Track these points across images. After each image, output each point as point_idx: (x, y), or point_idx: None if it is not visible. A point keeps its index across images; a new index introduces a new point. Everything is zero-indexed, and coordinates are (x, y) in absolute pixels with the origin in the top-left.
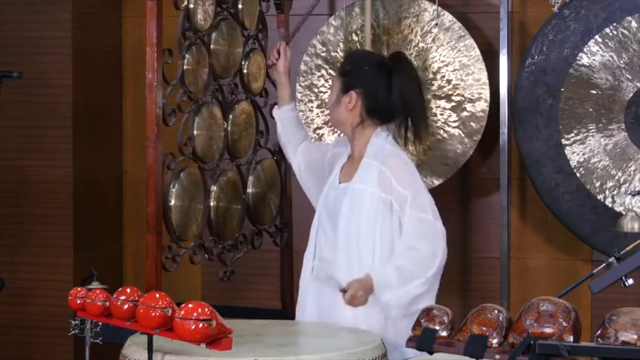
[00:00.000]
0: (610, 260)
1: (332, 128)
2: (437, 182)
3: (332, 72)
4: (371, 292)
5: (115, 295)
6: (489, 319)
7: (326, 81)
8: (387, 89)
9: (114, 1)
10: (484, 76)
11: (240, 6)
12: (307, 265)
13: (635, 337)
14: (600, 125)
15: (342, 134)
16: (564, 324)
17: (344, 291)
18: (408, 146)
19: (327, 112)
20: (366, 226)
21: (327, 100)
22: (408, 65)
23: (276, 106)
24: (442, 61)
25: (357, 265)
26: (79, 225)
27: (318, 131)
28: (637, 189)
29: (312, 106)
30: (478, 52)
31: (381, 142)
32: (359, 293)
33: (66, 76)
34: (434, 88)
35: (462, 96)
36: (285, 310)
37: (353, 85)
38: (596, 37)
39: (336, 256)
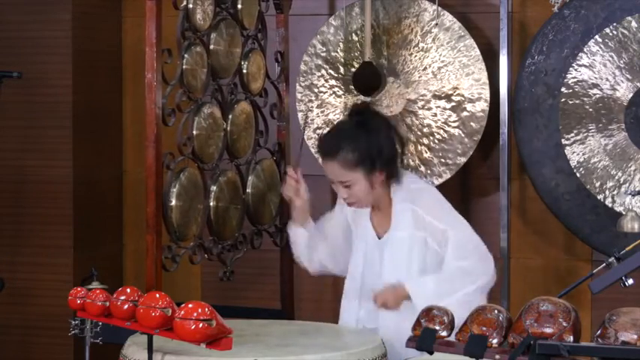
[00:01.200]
0: (610, 260)
1: None
2: (437, 182)
3: (332, 72)
4: (405, 298)
5: (115, 295)
6: (489, 319)
7: (326, 81)
8: (378, 142)
9: (114, 1)
10: (484, 76)
11: (239, 6)
12: (350, 317)
13: (635, 337)
14: (600, 125)
15: None
16: (564, 324)
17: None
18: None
19: (348, 202)
20: (409, 269)
21: (330, 100)
22: (370, 113)
23: (292, 222)
24: (442, 61)
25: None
26: (79, 225)
27: (318, 131)
28: (637, 189)
29: (312, 106)
30: (478, 52)
31: (403, 184)
32: (388, 299)
33: (66, 76)
34: (434, 88)
35: (462, 96)
36: (285, 310)
37: (372, 164)
38: (596, 37)
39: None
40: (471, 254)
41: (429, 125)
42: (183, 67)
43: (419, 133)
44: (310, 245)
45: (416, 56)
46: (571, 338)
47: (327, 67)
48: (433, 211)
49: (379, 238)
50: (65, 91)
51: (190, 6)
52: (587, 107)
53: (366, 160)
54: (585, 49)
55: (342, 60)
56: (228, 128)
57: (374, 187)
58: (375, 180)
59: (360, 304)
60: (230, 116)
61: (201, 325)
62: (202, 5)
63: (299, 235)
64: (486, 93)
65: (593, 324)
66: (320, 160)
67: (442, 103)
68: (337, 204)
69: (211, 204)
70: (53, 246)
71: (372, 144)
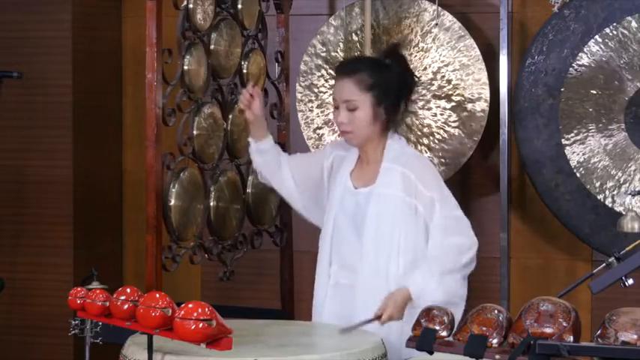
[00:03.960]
0: (610, 260)
1: (332, 128)
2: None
3: (332, 72)
4: (406, 302)
5: (115, 295)
6: (489, 319)
7: (326, 81)
8: (396, 89)
9: (114, 1)
10: (484, 76)
11: (239, 6)
12: (322, 273)
13: (635, 337)
14: (600, 125)
15: (339, 138)
16: (564, 324)
17: (379, 317)
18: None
19: (343, 128)
20: (393, 231)
21: (330, 100)
22: (404, 61)
23: (251, 140)
24: (442, 61)
25: (385, 270)
26: (79, 225)
27: (318, 131)
28: (637, 189)
29: (312, 106)
30: (478, 52)
31: (397, 145)
32: (395, 316)
33: (66, 76)
34: (434, 88)
35: (462, 96)
36: (285, 310)
37: (384, 95)
38: (596, 37)
39: (361, 261)
40: (457, 231)
41: (429, 125)
42: (184, 67)
43: (419, 133)
44: (271, 162)
45: (416, 56)
46: (571, 338)
47: (327, 67)
48: (424, 179)
49: (355, 188)
50: (65, 91)
51: (191, 6)
52: (587, 107)
53: (379, 88)
54: (585, 49)
55: (342, 60)
56: (229, 128)
57: (376, 120)
58: (378, 113)
59: (331, 256)
60: (230, 116)
61: (201, 325)
62: (203, 5)
63: (254, 151)
64: (486, 93)
65: (593, 324)
66: (334, 80)
67: (442, 103)
68: (324, 148)
69: (211, 204)
70: (53, 246)
71: (390, 77)
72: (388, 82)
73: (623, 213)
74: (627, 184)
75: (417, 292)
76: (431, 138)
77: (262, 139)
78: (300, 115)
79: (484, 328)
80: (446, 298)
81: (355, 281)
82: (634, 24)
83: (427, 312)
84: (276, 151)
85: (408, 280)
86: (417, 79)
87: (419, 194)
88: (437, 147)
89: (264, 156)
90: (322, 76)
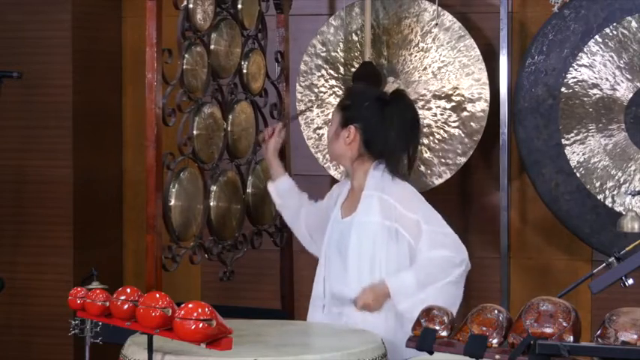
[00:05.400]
0: (610, 260)
1: None
2: (437, 182)
3: (332, 72)
4: (386, 298)
5: (115, 295)
6: (489, 319)
7: (326, 81)
8: (383, 124)
9: (114, 1)
10: (484, 76)
11: (239, 6)
12: (317, 304)
13: (635, 337)
14: (600, 125)
15: (342, 177)
16: (564, 324)
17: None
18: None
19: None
20: (374, 257)
21: (329, 100)
22: (404, 104)
23: (269, 182)
24: (442, 61)
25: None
26: (79, 225)
27: (318, 131)
28: (637, 189)
29: (312, 107)
30: (478, 52)
31: (378, 173)
32: (369, 301)
33: (66, 76)
34: (434, 88)
35: (462, 96)
36: (285, 310)
37: (352, 119)
38: (596, 37)
39: (346, 290)
40: (444, 245)
41: (429, 125)
42: (184, 67)
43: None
44: (290, 207)
45: (416, 56)
46: (571, 338)
47: (327, 67)
48: (405, 202)
49: (341, 218)
50: (65, 91)
51: (191, 6)
52: (587, 107)
53: (349, 111)
54: (585, 49)
55: (342, 60)
56: (229, 128)
57: (336, 138)
58: (341, 134)
59: (324, 286)
60: (230, 116)
61: (201, 325)
62: (203, 5)
63: (272, 193)
64: (486, 93)
65: (593, 324)
66: None
67: (442, 103)
68: (330, 192)
69: (211, 204)
70: (53, 246)
71: (368, 110)
72: (365, 111)
73: (623, 213)
74: (627, 184)
75: (394, 287)
76: (431, 138)
77: (277, 179)
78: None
79: (484, 328)
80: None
81: (343, 310)
82: (634, 24)
83: (427, 312)
84: (295, 192)
85: (390, 277)
86: (417, 124)
87: (400, 217)
88: (437, 147)
89: (283, 199)
90: (322, 76)
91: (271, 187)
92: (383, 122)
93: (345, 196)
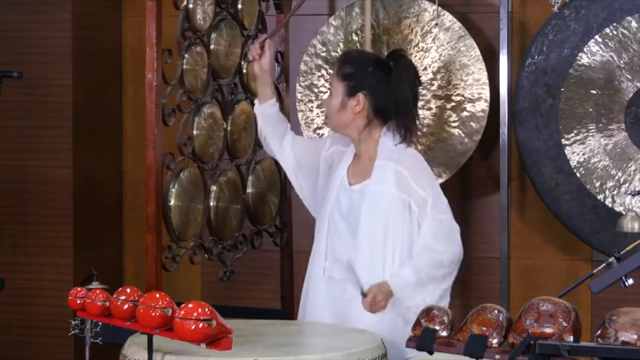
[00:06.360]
0: (610, 260)
1: None
2: (437, 182)
3: (332, 72)
4: (390, 296)
5: (115, 295)
6: (489, 319)
7: (326, 81)
8: (391, 87)
9: (114, 1)
10: (484, 76)
11: (239, 6)
12: (317, 266)
13: (635, 337)
14: (600, 125)
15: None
16: (564, 324)
17: (364, 295)
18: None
19: (325, 116)
20: (387, 228)
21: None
22: (406, 63)
23: (256, 102)
24: (442, 61)
25: (381, 267)
26: (79, 225)
27: (318, 131)
28: (637, 189)
29: (312, 106)
30: (478, 52)
31: (390, 142)
32: (378, 297)
33: (66, 76)
34: (434, 88)
35: (462, 96)
36: (285, 310)
37: (359, 87)
38: (596, 37)
39: (356, 258)
40: (444, 238)
41: (429, 125)
42: (184, 67)
43: (419, 133)
44: (278, 128)
45: (416, 56)
46: (571, 338)
47: (327, 67)
48: (416, 176)
49: (350, 185)
50: (65, 91)
51: (191, 6)
52: (587, 107)
53: (354, 80)
54: (585, 49)
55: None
56: (229, 128)
57: (343, 108)
58: (349, 103)
59: (326, 250)
60: (230, 116)
61: (201, 325)
62: (203, 5)
63: (258, 113)
64: (486, 93)
65: (593, 324)
66: None
67: (442, 103)
68: (324, 139)
69: (211, 204)
70: (53, 246)
71: (379, 75)
72: (371, 77)
73: (623, 213)
74: (627, 184)
75: (398, 287)
76: (431, 138)
77: (266, 101)
78: (300, 115)
79: (484, 328)
80: (428, 301)
81: (349, 277)
82: (634, 24)
83: (427, 312)
84: (280, 119)
85: (392, 276)
86: (419, 83)
87: (412, 192)
88: (437, 147)
89: (269, 120)
90: (322, 76)
91: (257, 109)
92: (390, 85)
93: (349, 162)
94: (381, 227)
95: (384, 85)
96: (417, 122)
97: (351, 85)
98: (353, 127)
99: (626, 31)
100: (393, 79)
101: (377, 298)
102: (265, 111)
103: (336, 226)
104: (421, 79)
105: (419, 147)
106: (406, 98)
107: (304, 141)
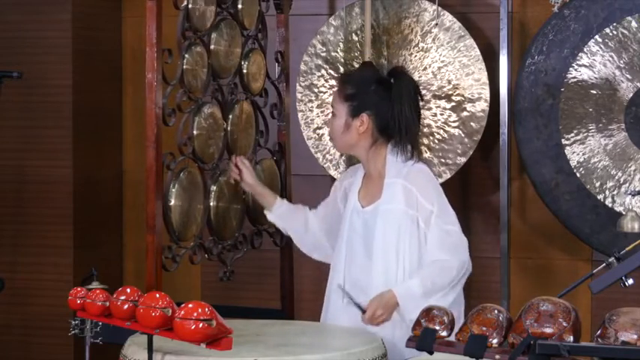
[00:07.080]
0: (610, 260)
1: None
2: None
3: (332, 72)
4: (395, 307)
5: (115, 295)
6: (489, 319)
7: (326, 81)
8: (394, 105)
9: (114, 1)
10: (484, 76)
11: (239, 6)
12: (337, 293)
13: (635, 337)
14: (600, 125)
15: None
16: (564, 324)
17: (363, 311)
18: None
19: (330, 138)
20: (397, 245)
21: (327, 103)
22: (406, 80)
23: (266, 212)
24: (442, 61)
25: (395, 285)
26: (79, 225)
27: (318, 131)
28: (637, 189)
29: (312, 106)
30: (478, 52)
31: (397, 158)
32: (378, 312)
33: (66, 76)
34: (434, 88)
35: (462, 96)
36: (285, 310)
37: (362, 107)
38: (596, 37)
39: (370, 279)
40: (450, 249)
41: (429, 125)
42: (184, 67)
43: (419, 133)
44: (296, 224)
45: (416, 56)
46: (571, 338)
47: (327, 67)
48: (423, 191)
49: (362, 207)
50: (65, 91)
51: (191, 6)
52: (587, 107)
53: (357, 100)
54: (585, 49)
55: (342, 60)
56: (229, 128)
57: (347, 129)
58: (353, 124)
59: (345, 276)
60: (230, 116)
61: (201, 325)
62: (203, 5)
63: (273, 220)
64: (486, 93)
65: (593, 324)
66: None
67: (442, 103)
68: (335, 185)
69: (211, 204)
70: (53, 246)
71: (375, 94)
72: (373, 97)
73: (623, 213)
74: (627, 184)
75: (404, 297)
76: (431, 138)
77: (272, 205)
78: (300, 115)
79: (484, 328)
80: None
81: (366, 300)
82: (634, 24)
83: (427, 312)
84: (294, 210)
85: (398, 286)
86: (420, 99)
87: (420, 207)
88: (437, 147)
89: (286, 219)
90: (322, 76)
91: (271, 217)
92: (393, 103)
93: (360, 184)
94: (393, 246)
95: (386, 103)
96: (417, 141)
97: (354, 106)
98: (359, 147)
99: (626, 31)
100: (393, 97)
101: (376, 313)
102: (277, 213)
103: (353, 251)
104: (424, 96)
105: (419, 147)
106: (407, 116)
107: (324, 206)
